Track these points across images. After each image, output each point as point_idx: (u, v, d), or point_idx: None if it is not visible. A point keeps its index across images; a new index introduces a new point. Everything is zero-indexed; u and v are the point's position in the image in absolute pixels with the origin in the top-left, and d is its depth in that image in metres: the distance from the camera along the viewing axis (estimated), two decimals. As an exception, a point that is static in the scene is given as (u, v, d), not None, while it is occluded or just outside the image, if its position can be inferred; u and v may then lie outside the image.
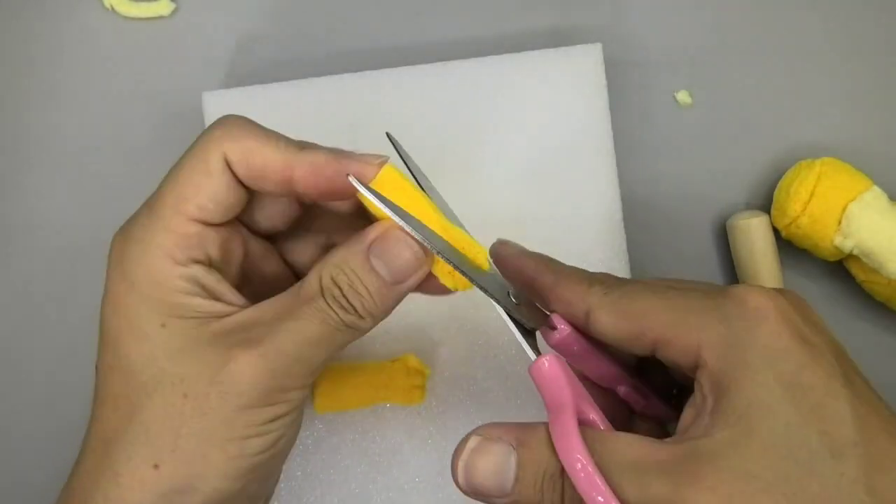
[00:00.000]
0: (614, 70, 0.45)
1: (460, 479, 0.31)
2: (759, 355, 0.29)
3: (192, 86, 0.45)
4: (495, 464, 0.30)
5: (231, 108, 0.41)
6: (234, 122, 0.33)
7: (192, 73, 0.45)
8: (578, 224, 0.43)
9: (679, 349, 0.30)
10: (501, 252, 0.36)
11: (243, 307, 0.32)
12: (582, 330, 0.34)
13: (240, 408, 0.30)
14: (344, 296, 0.31)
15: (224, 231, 0.33)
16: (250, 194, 0.33)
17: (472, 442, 0.31)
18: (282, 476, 0.42)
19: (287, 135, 0.41)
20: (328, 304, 0.31)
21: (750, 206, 0.46)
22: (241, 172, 0.32)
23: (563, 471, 0.29)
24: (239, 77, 0.46)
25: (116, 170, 0.46)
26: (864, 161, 0.45)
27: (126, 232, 0.32)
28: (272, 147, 0.32)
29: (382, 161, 0.32)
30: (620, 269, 0.43)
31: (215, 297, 0.32)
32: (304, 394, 0.32)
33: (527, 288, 0.35)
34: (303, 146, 0.33)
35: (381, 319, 0.33)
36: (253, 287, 0.35)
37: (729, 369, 0.29)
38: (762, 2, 0.47)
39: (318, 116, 0.43)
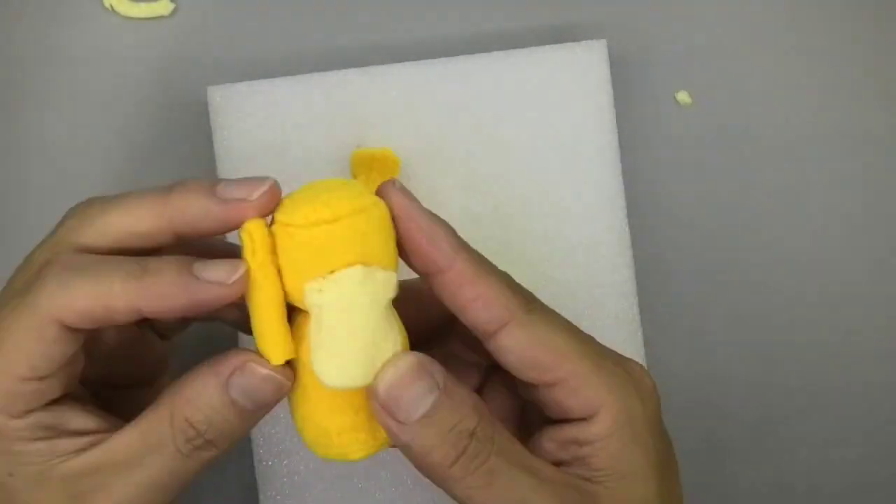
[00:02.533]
0: (614, 70, 0.45)
1: (381, 388, 0.30)
2: (646, 432, 0.32)
3: (192, 85, 0.45)
4: (417, 391, 0.30)
5: (236, 103, 0.43)
6: (57, 281, 0.30)
7: (193, 73, 0.45)
8: (582, 218, 0.43)
9: (579, 399, 0.31)
10: (401, 204, 0.31)
11: (92, 431, 0.31)
12: (469, 339, 0.33)
13: None
14: (201, 435, 0.30)
15: (68, 364, 0.31)
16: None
17: (408, 361, 0.30)
18: (285, 473, 0.42)
19: (291, 131, 0.42)
20: (180, 449, 0.30)
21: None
22: (84, 327, 0.30)
23: (473, 433, 0.30)
24: (240, 75, 0.46)
25: (118, 168, 0.46)
26: (866, 160, 0.46)
27: None
28: (108, 292, 0.29)
29: (242, 275, 0.29)
30: (623, 264, 0.43)
31: (59, 433, 0.31)
32: None
33: (416, 259, 0.31)
34: (143, 271, 0.30)
35: (237, 442, 0.32)
36: (123, 368, 0.35)
37: (620, 435, 0.31)
38: (763, 2, 0.47)
39: (322, 111, 0.43)
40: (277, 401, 0.31)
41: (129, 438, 0.31)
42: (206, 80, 0.45)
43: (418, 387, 0.30)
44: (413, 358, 0.30)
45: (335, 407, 0.31)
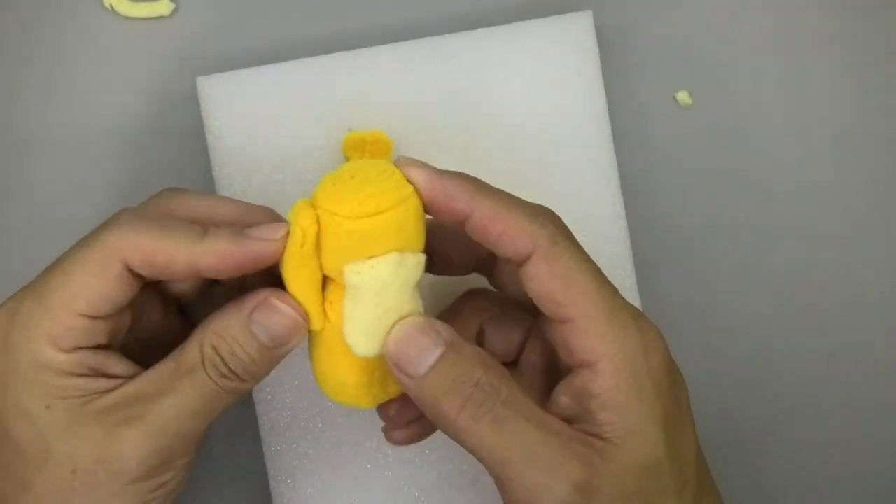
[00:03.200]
0: (614, 69, 0.45)
1: (391, 344, 0.33)
2: (650, 386, 0.32)
3: (191, 83, 0.45)
4: (423, 346, 0.32)
5: (225, 92, 0.43)
6: (129, 224, 0.33)
7: (193, 72, 0.45)
8: (575, 189, 0.44)
9: (585, 342, 0.32)
10: (414, 175, 0.34)
11: (129, 377, 0.33)
12: (493, 267, 0.36)
13: (128, 483, 0.32)
14: (225, 364, 0.33)
15: (119, 314, 0.34)
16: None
17: (415, 321, 0.33)
18: (293, 455, 0.43)
19: (284, 117, 0.42)
20: (209, 374, 0.33)
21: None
22: (143, 273, 0.33)
23: (477, 382, 0.32)
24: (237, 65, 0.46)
25: (116, 164, 0.46)
26: (867, 160, 0.46)
27: (11, 314, 0.32)
28: (173, 244, 0.32)
29: (284, 234, 0.33)
30: (619, 236, 0.43)
31: (99, 374, 0.33)
32: (191, 457, 0.34)
33: (443, 216, 0.34)
34: (204, 232, 0.33)
35: (262, 379, 0.35)
36: (148, 342, 0.36)
37: (624, 387, 0.32)
38: (763, 2, 0.47)
39: (312, 96, 0.43)
40: (294, 341, 0.34)
41: (163, 367, 0.33)
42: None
43: (424, 342, 0.32)
44: (420, 318, 0.33)
45: (356, 366, 0.34)
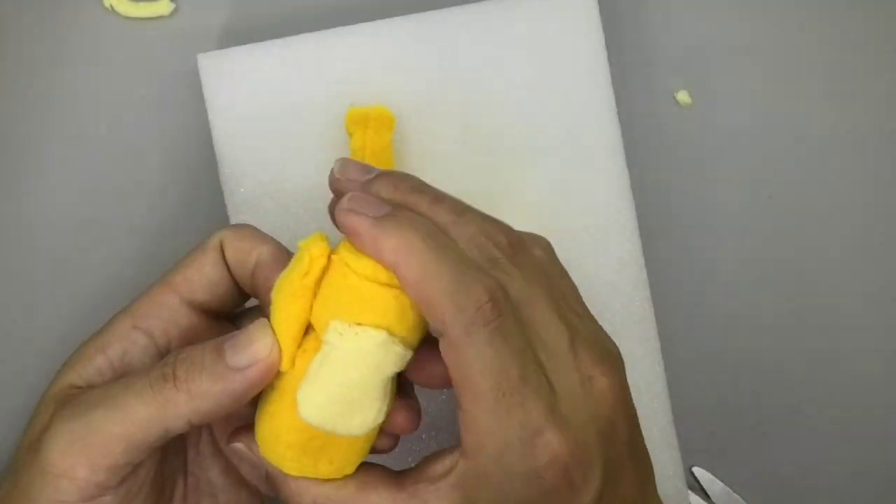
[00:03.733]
0: (614, 69, 0.45)
1: None
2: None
3: (194, 87, 0.45)
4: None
5: (226, 70, 0.42)
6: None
7: (192, 69, 0.45)
8: (579, 165, 0.43)
9: (463, 431, 0.31)
10: (345, 222, 0.32)
11: None
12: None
13: None
14: (174, 366, 0.32)
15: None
16: None
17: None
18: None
19: (285, 93, 0.42)
20: (150, 380, 0.32)
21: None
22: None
23: None
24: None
25: (118, 167, 0.46)
26: (867, 159, 0.47)
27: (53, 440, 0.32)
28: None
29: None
30: (625, 207, 0.43)
31: None
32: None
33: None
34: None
35: (204, 409, 0.32)
36: None
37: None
38: (763, 2, 0.48)
39: (313, 72, 0.43)
40: (259, 372, 0.32)
41: None
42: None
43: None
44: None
45: (296, 425, 0.31)
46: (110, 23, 0.46)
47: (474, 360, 0.30)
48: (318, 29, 0.43)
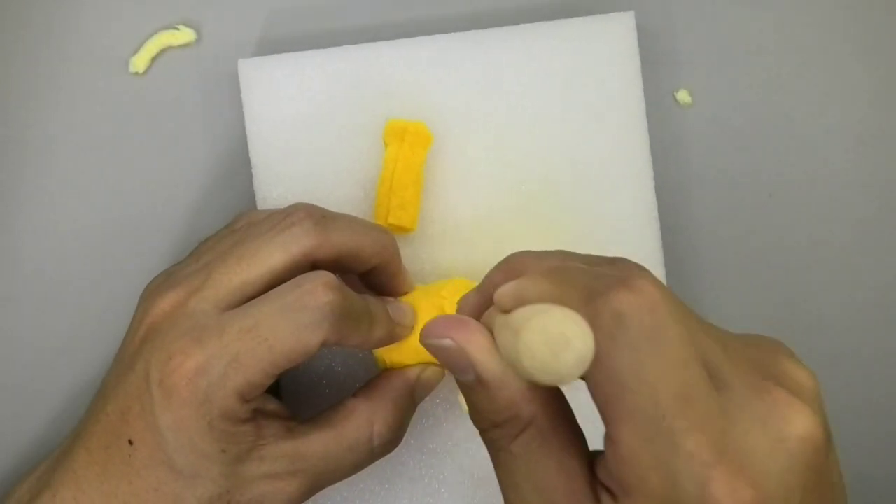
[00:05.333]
0: None
1: None
2: None
3: (233, 87, 0.45)
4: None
5: (266, 77, 0.43)
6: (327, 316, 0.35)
7: (233, 75, 0.45)
8: (610, 190, 0.44)
9: (616, 469, 0.26)
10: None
11: (278, 414, 0.37)
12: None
13: None
14: (394, 438, 0.39)
15: None
16: None
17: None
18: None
19: (322, 103, 0.43)
20: (373, 450, 0.38)
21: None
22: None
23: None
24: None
25: (154, 170, 0.46)
26: (867, 159, 0.47)
27: (203, 371, 0.34)
28: (350, 336, 0.37)
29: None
30: (651, 236, 0.44)
31: (262, 416, 0.36)
32: None
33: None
34: (371, 324, 0.38)
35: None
36: None
37: None
38: (763, 1, 0.47)
39: (352, 84, 0.43)
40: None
41: (326, 438, 0.37)
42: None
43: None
44: None
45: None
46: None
47: (625, 372, 0.25)
48: (356, 43, 0.44)
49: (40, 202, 0.45)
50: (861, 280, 0.47)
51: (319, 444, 0.37)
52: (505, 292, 0.28)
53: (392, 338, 0.38)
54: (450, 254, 0.43)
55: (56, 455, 0.38)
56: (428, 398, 0.43)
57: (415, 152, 0.42)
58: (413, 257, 0.43)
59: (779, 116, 0.47)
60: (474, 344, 0.28)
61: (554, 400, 0.29)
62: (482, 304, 0.31)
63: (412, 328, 0.39)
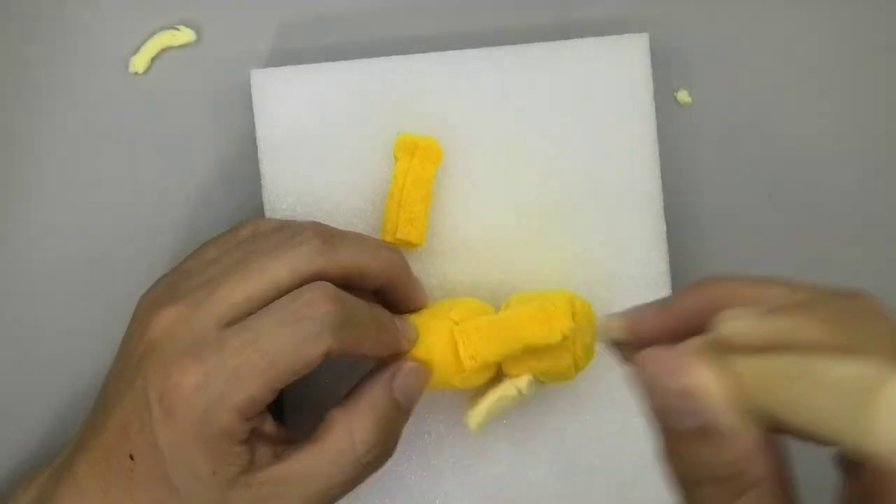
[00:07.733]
0: None
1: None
2: None
3: (244, 97, 0.45)
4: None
5: (278, 88, 0.43)
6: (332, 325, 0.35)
7: (244, 85, 0.45)
8: (620, 210, 0.44)
9: None
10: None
11: (276, 437, 0.36)
12: None
13: None
14: (380, 445, 0.37)
15: None
16: None
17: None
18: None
19: (333, 116, 0.43)
20: (360, 459, 0.36)
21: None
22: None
23: None
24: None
25: (163, 176, 0.46)
26: (868, 159, 0.47)
27: (202, 387, 0.34)
28: (361, 343, 0.37)
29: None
30: (658, 258, 0.44)
31: (258, 438, 0.35)
32: None
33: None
34: (379, 329, 0.38)
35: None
36: None
37: None
38: (763, 1, 0.47)
39: (364, 98, 0.43)
40: (421, 394, 0.38)
41: (309, 455, 0.36)
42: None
43: None
44: None
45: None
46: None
47: None
48: (368, 57, 0.44)
49: (40, 202, 0.45)
50: (861, 280, 0.46)
51: (302, 463, 0.35)
52: (750, 328, 0.26)
53: (401, 346, 0.38)
54: (457, 270, 0.43)
55: (56, 466, 0.38)
56: (429, 414, 0.43)
57: (425, 167, 0.42)
58: (420, 272, 0.43)
59: (779, 116, 0.47)
60: (708, 387, 0.26)
61: (786, 462, 0.27)
62: (667, 328, 0.29)
63: (414, 343, 0.38)
